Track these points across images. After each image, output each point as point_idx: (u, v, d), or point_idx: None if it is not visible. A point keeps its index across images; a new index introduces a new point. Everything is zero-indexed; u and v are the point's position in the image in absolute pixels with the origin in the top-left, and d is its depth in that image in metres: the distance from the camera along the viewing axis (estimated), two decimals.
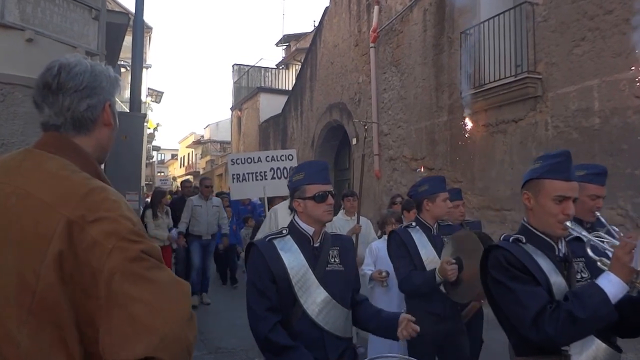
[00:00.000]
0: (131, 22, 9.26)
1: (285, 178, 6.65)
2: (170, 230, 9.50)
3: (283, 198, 5.65)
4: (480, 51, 9.60)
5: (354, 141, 14.76)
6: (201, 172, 40.45)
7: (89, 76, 1.57)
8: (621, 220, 6.82)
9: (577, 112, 7.60)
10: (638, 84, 6.63)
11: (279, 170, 7.89)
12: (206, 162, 43.25)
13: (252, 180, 8.01)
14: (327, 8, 16.95)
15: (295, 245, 2.78)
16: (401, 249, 3.98)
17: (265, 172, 7.95)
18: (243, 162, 8.16)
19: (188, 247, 9.60)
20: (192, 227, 9.45)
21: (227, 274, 11.94)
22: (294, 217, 2.90)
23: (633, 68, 6.67)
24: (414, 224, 4.10)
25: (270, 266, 2.67)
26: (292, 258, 2.72)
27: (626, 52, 6.86)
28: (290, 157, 8.05)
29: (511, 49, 9.01)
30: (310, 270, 2.73)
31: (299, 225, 2.85)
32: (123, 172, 7.48)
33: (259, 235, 5.65)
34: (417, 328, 2.64)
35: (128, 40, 9.67)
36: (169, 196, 13.66)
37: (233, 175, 8.14)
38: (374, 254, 5.36)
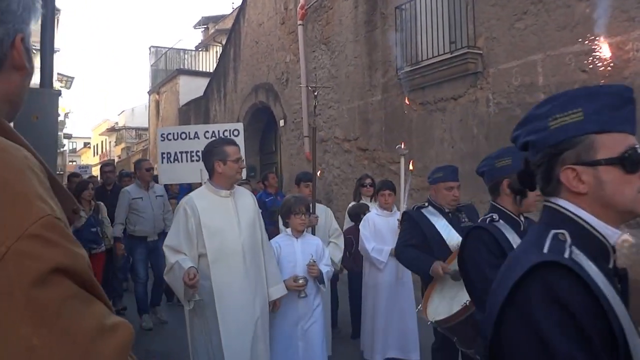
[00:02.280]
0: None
1: None
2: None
3: None
4: (417, 27, 9.30)
5: (282, 123, 14.29)
6: (116, 161, 38.86)
7: None
8: None
9: (520, 88, 7.43)
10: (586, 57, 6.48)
11: None
12: (121, 150, 41.62)
13: (186, 160, 6.61)
14: None
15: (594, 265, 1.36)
16: (488, 255, 2.75)
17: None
18: (175, 137, 6.70)
19: (129, 254, 7.51)
20: (134, 226, 7.24)
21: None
22: (556, 205, 1.39)
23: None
24: (496, 216, 2.88)
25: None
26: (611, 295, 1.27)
27: (571, 25, 6.71)
28: (236, 133, 6.52)
29: (449, 24, 8.75)
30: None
31: (591, 225, 1.34)
32: None
33: (169, 243, 3.78)
34: None
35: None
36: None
37: (162, 154, 6.72)
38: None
